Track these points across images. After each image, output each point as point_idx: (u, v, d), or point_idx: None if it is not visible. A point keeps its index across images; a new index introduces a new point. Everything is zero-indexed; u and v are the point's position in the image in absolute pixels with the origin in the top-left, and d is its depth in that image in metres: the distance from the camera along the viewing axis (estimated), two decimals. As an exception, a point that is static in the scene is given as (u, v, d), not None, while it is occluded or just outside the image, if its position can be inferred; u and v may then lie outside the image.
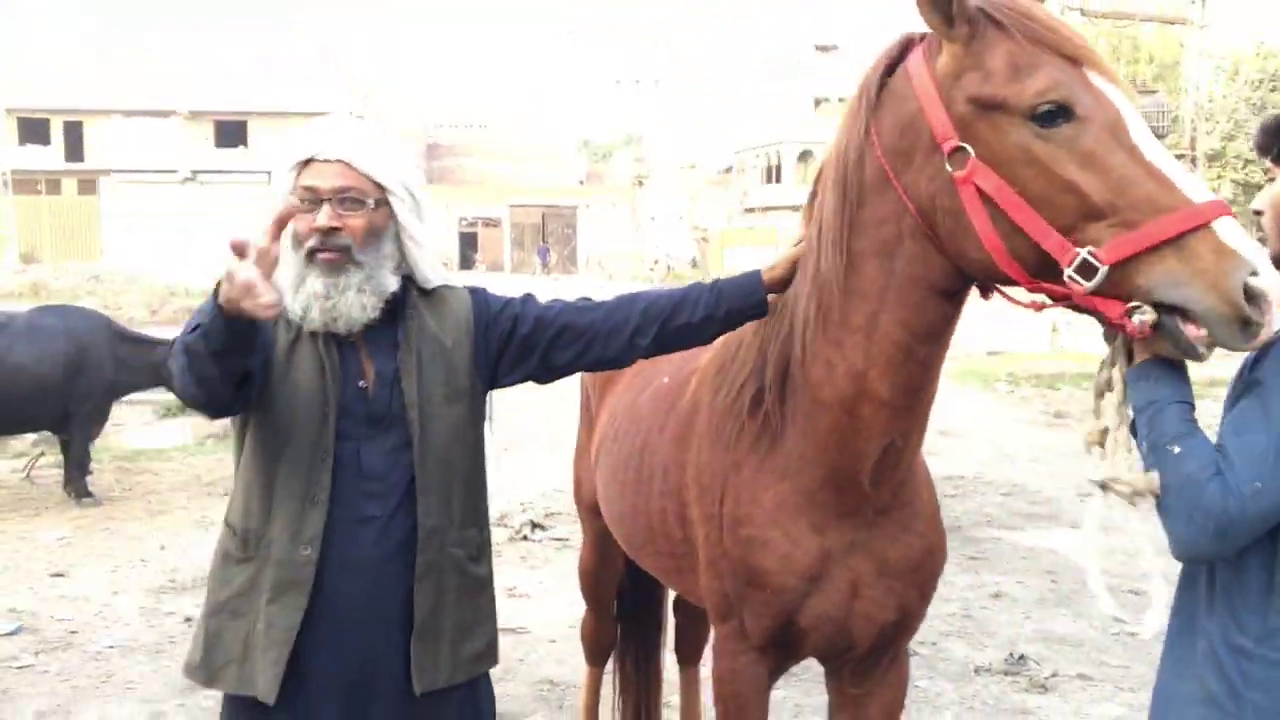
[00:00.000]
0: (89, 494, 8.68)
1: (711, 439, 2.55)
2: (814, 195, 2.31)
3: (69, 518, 8.29)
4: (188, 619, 5.92)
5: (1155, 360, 1.97)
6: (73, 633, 5.80)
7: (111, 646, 5.60)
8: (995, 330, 21.39)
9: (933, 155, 2.02)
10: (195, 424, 13.12)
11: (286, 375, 2.25)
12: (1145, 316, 1.84)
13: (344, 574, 2.24)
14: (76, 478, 8.68)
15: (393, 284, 2.29)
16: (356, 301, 2.21)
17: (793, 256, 2.38)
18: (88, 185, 50.63)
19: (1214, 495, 1.86)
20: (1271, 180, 2.14)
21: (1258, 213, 2.17)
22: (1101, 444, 2.03)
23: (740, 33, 70.31)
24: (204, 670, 2.33)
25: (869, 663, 2.60)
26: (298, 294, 2.20)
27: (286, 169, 2.27)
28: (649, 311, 2.40)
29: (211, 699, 4.86)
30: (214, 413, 2.24)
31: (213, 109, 51.98)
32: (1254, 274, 1.75)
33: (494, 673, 5.39)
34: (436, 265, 2.39)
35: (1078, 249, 1.85)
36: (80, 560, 7.15)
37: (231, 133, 52.78)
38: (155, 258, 46.21)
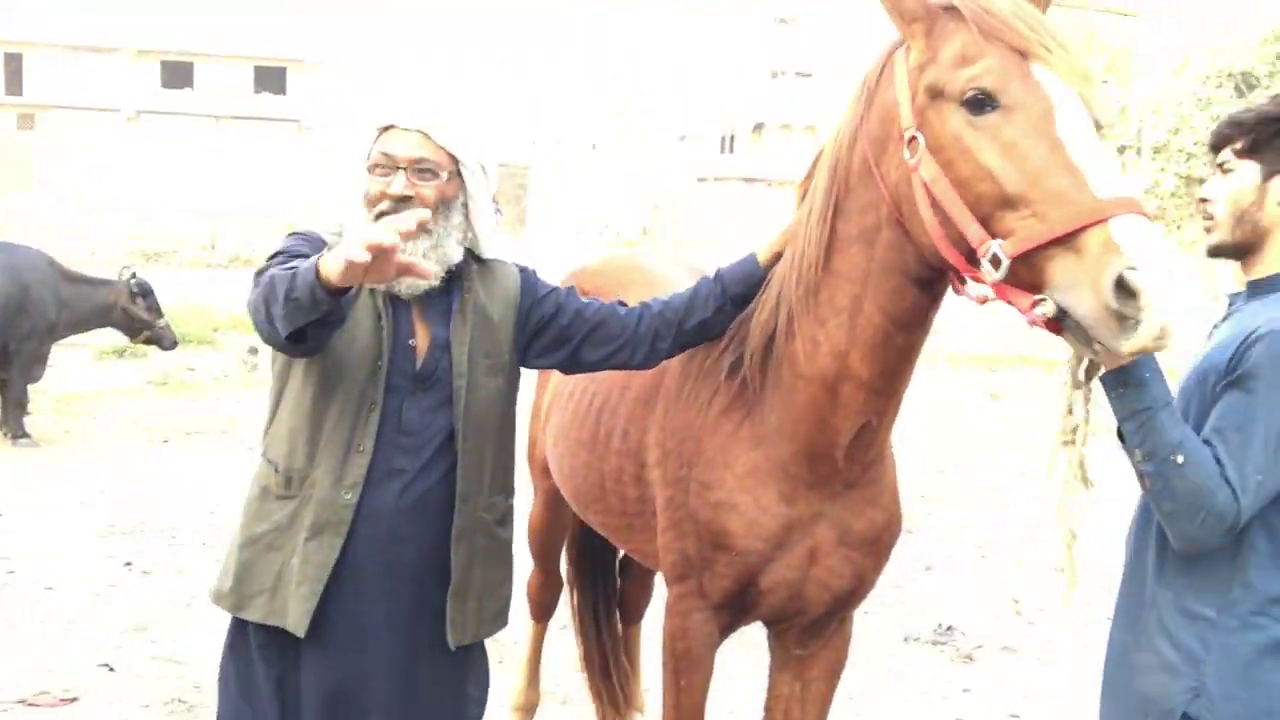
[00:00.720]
0: (25, 435, 8.56)
1: (682, 401, 2.61)
2: (809, 175, 2.39)
3: (5, 458, 8.19)
4: (128, 563, 5.92)
5: (1133, 364, 1.99)
6: (10, 572, 5.77)
7: (50, 588, 5.58)
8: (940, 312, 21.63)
9: (899, 144, 2.09)
10: (133, 369, 12.93)
11: (345, 329, 2.31)
12: (1045, 309, 1.86)
13: (370, 521, 2.35)
14: (14, 418, 8.56)
15: (457, 254, 2.38)
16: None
17: (787, 237, 2.47)
18: (26, 119, 49.20)
19: (1225, 501, 1.96)
20: (1228, 173, 2.20)
21: (1203, 200, 2.25)
22: (1071, 442, 2.08)
23: (699, 3, 69.96)
24: (233, 597, 2.42)
25: (817, 626, 2.70)
26: None
27: (371, 131, 2.34)
28: (665, 316, 2.54)
29: (151, 644, 4.88)
30: (296, 352, 2.31)
31: (159, 47, 50.75)
32: (1131, 268, 1.72)
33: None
34: (496, 236, 2.49)
35: (991, 240, 1.90)
36: (17, 502, 7.07)
37: (178, 73, 51.61)
38: (95, 197, 45.18)
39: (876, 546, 2.58)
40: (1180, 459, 1.97)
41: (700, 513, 2.51)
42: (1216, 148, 2.25)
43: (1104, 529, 3.16)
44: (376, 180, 2.29)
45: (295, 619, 2.34)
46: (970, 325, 22.31)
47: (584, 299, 2.59)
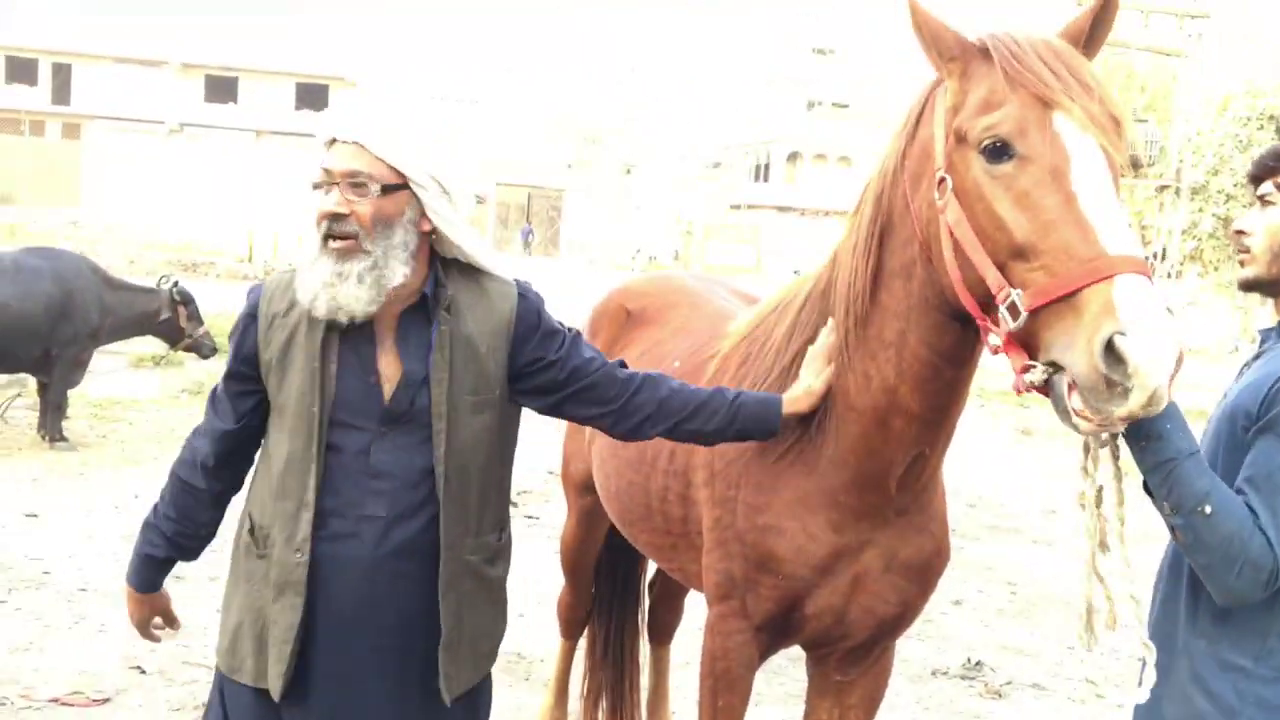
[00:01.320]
0: (64, 438, 8.66)
1: None
2: (859, 205, 2.38)
3: (42, 460, 8.29)
4: (161, 568, 5.96)
5: (1170, 409, 1.92)
6: (45, 573, 5.83)
7: (84, 589, 5.63)
8: (970, 344, 21.53)
9: (931, 184, 2.09)
10: (167, 376, 13.08)
11: (282, 382, 2.24)
12: (1033, 376, 1.84)
13: (340, 575, 2.23)
14: (53, 421, 8.66)
15: (399, 275, 2.18)
16: (355, 292, 2.14)
17: (818, 391, 2.41)
18: (72, 129, 50.05)
19: (1260, 550, 1.91)
20: (1268, 205, 2.18)
21: (1240, 232, 2.22)
22: (1098, 504, 2.03)
23: (738, 31, 70.29)
24: (228, 659, 2.35)
25: (859, 653, 2.69)
26: (308, 277, 2.18)
27: (320, 147, 2.26)
28: (668, 405, 2.41)
29: (182, 648, 4.92)
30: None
31: (204, 62, 51.53)
32: (1122, 333, 1.69)
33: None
34: (484, 247, 2.34)
35: (1011, 289, 1.88)
36: (53, 503, 7.16)
37: (222, 87, 52.36)
38: (136, 208, 45.79)
39: (925, 574, 2.58)
40: (1209, 509, 1.92)
41: (747, 535, 2.51)
42: (1258, 179, 2.21)
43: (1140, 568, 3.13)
44: (319, 197, 2.19)
45: (272, 682, 2.24)
46: (1000, 361, 22.11)
47: (588, 353, 2.42)
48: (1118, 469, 2.02)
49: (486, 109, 68.75)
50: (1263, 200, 2.19)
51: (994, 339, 1.96)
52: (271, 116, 52.45)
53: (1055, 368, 1.83)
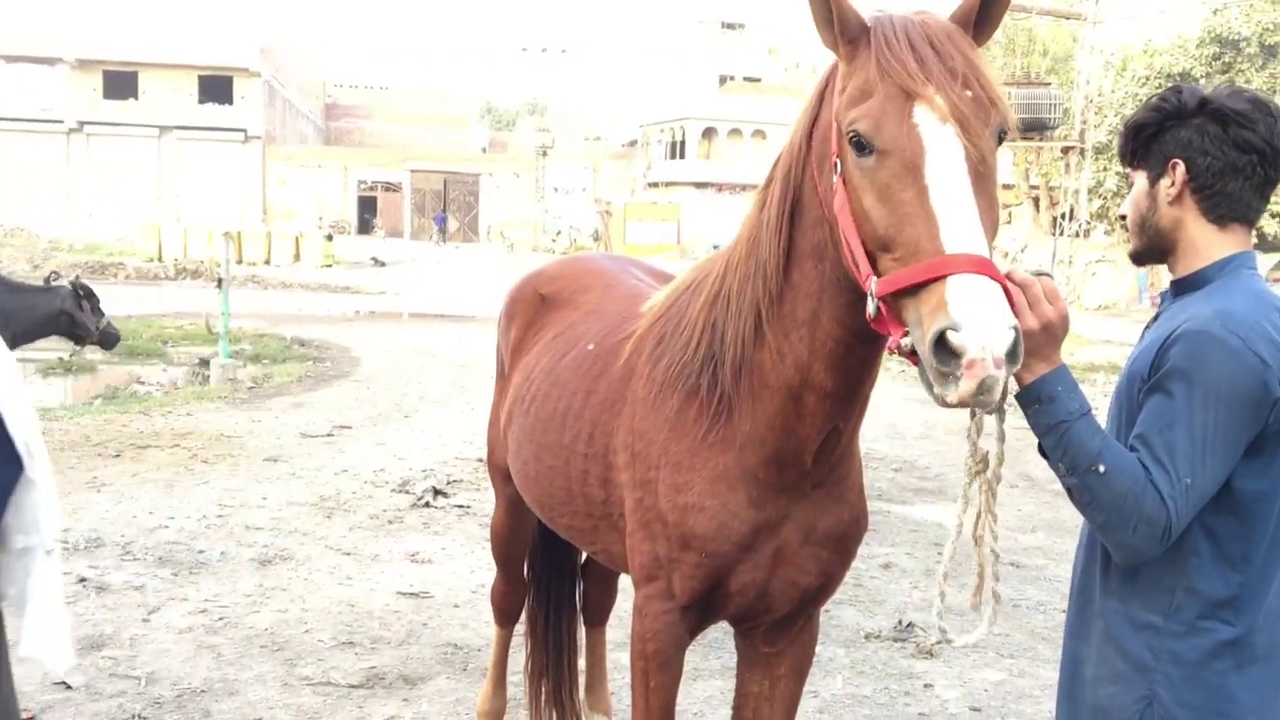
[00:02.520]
0: (-28, 453, 8.39)
1: (651, 405, 2.61)
2: (769, 181, 2.37)
3: (-49, 477, 8.03)
4: (82, 579, 5.82)
5: (1041, 380, 2.02)
6: (-41, 593, 5.65)
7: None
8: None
9: (831, 167, 2.09)
10: (81, 383, 12.75)
11: None
12: (908, 340, 1.90)
13: None
14: (-41, 435, 8.38)
15: None
16: None
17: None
18: (-37, 132, 48.30)
19: (1154, 503, 1.95)
20: (1132, 185, 2.25)
21: (1122, 217, 2.29)
22: (981, 471, 2.14)
23: (648, 9, 70.15)
24: None
25: (784, 624, 2.72)
26: None
27: None
28: None
29: (109, 661, 4.81)
30: None
31: (101, 57, 50.00)
32: (954, 329, 1.75)
33: (398, 636, 5.45)
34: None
35: (873, 276, 1.94)
36: (-36, 520, 6.93)
37: (121, 83, 50.89)
38: (38, 211, 44.38)
39: (844, 543, 2.60)
40: (1102, 468, 1.97)
41: (669, 515, 2.52)
42: (1124, 162, 2.31)
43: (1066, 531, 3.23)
44: None
45: None
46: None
47: None
48: (1001, 431, 2.10)
49: (397, 95, 67.77)
50: (1128, 182, 2.28)
51: (871, 309, 1.99)
52: (174, 112, 51.15)
53: None
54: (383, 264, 36.50)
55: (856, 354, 2.27)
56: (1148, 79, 34.92)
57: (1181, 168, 2.14)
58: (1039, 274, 2.05)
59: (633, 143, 61.74)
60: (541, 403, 3.08)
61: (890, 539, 7.44)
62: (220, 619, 5.41)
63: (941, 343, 1.76)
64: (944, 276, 1.79)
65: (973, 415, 2.10)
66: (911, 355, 1.88)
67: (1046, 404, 2.01)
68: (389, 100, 67.42)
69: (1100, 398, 11.62)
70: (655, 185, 55.92)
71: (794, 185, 2.26)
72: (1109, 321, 26.72)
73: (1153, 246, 2.23)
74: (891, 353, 1.97)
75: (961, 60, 1.96)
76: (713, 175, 54.04)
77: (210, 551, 6.43)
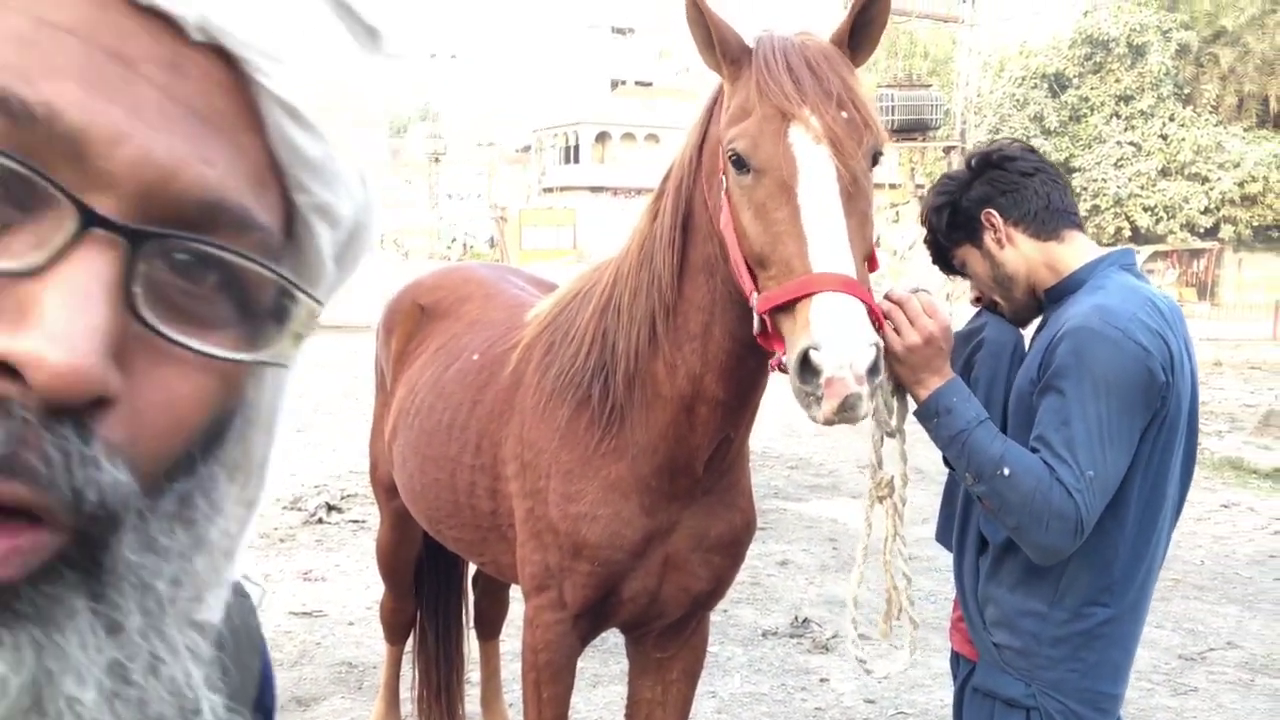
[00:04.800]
0: None
1: (540, 416, 2.60)
2: (660, 194, 2.38)
3: None
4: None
5: (936, 394, 2.09)
6: None
7: None
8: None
9: (718, 182, 2.12)
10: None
11: None
12: (786, 359, 1.94)
13: None
14: None
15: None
16: None
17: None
18: None
19: (1061, 498, 2.01)
20: (987, 255, 2.32)
21: (977, 299, 2.43)
22: (886, 496, 2.22)
23: (538, 14, 70.07)
24: None
25: (675, 629, 2.74)
26: None
27: None
28: None
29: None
30: None
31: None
32: (815, 348, 1.79)
33: (290, 656, 5.33)
34: None
35: (755, 291, 1.98)
36: None
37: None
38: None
39: (734, 548, 2.63)
40: (1006, 471, 2.03)
41: (560, 524, 2.51)
42: (947, 252, 2.41)
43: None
44: None
45: None
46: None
47: None
48: (903, 452, 2.18)
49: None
50: (963, 273, 2.39)
51: (756, 325, 2.03)
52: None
53: None
54: (273, 276, 35.57)
55: (748, 365, 2.29)
56: (1024, 79, 36.10)
57: (994, 213, 2.27)
58: (916, 290, 2.11)
59: (527, 148, 61.54)
60: (426, 415, 3.04)
61: (786, 536, 7.54)
62: (102, 648, 5.23)
63: (806, 362, 1.80)
64: (810, 295, 1.83)
65: (889, 435, 2.19)
66: (784, 368, 1.92)
67: (945, 416, 2.08)
68: (275, 108, 66.10)
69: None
70: (550, 190, 55.80)
71: (685, 200, 2.28)
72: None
73: (1021, 295, 2.31)
74: (773, 370, 2.01)
75: (838, 82, 2.00)
76: (607, 179, 54.14)
77: (91, 579, 6.21)
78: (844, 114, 1.97)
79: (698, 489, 2.50)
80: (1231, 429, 12.51)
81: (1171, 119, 35.90)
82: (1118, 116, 35.91)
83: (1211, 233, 35.81)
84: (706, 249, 2.24)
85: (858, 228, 1.94)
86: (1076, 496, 2.01)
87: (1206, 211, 35.26)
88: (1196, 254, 34.89)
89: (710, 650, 5.37)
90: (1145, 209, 35.42)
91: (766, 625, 5.78)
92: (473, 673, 4.35)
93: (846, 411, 1.78)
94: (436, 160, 53.91)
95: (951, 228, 2.33)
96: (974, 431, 2.06)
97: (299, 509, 7.86)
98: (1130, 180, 35.02)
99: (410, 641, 4.02)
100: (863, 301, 1.84)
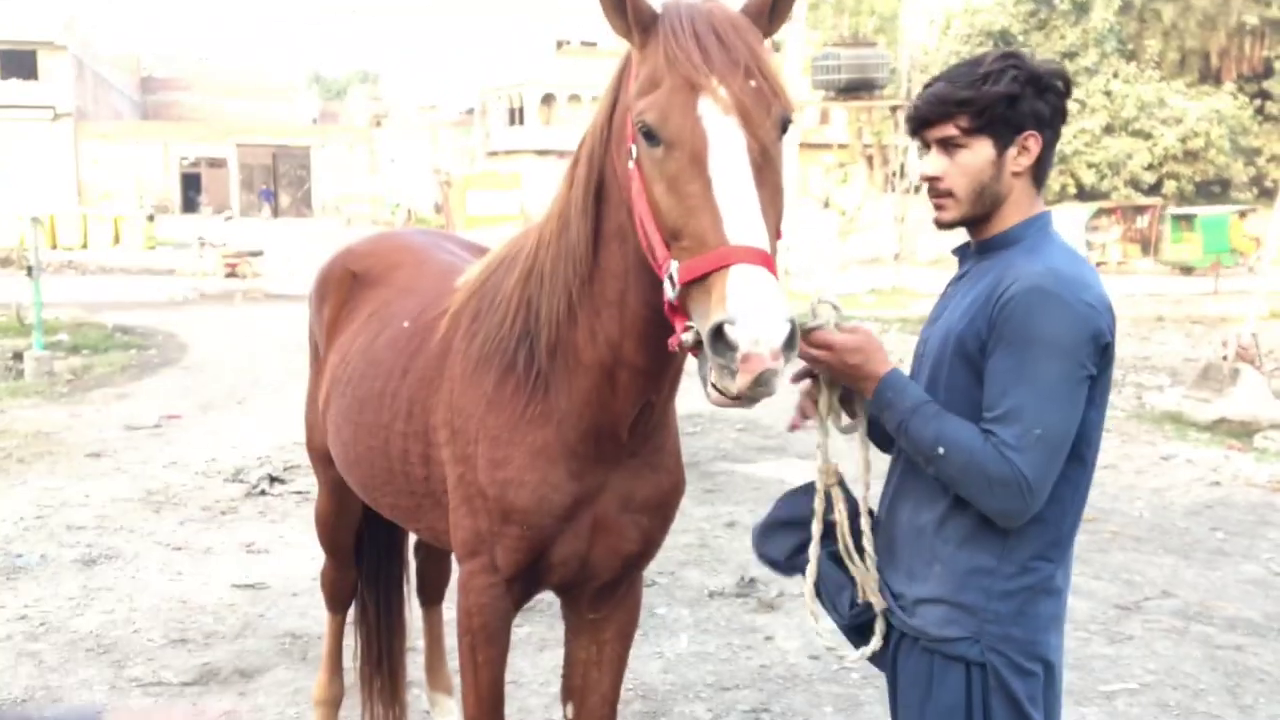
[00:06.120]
0: None
1: (469, 382, 2.59)
2: (575, 162, 2.36)
3: None
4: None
5: (875, 394, 2.15)
6: None
7: None
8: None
9: (627, 151, 2.10)
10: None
11: None
12: (686, 337, 1.95)
13: None
14: None
15: None
16: None
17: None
18: None
19: (996, 464, 2.04)
20: (955, 149, 2.21)
21: (932, 179, 2.26)
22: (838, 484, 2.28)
23: (479, -29, 69.02)
24: None
25: (607, 590, 2.75)
26: None
27: None
28: None
29: (-87, 679, 4.52)
30: None
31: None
32: (730, 322, 1.79)
33: (233, 629, 5.28)
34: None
35: (671, 260, 1.96)
36: None
37: (-88, 60, 47.37)
38: None
39: (663, 509, 2.65)
40: (942, 450, 2.09)
41: (489, 489, 2.51)
42: (927, 123, 2.25)
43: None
44: None
45: None
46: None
47: None
48: (866, 459, 2.28)
49: (218, 65, 65.03)
50: (945, 144, 2.23)
51: (671, 295, 2.00)
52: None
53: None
54: (211, 244, 35.14)
55: (665, 333, 2.27)
56: (969, 36, 36.25)
57: (1037, 140, 2.19)
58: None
59: (471, 111, 60.79)
60: (359, 383, 3.01)
61: (734, 497, 7.58)
62: (41, 624, 5.15)
63: (720, 336, 1.79)
64: (725, 267, 1.83)
65: (844, 431, 2.28)
66: (694, 350, 1.92)
67: (886, 409, 2.16)
68: (210, 71, 64.53)
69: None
70: (496, 154, 55.22)
71: (598, 168, 2.26)
72: (942, 274, 27.75)
73: (984, 214, 2.25)
74: (672, 349, 1.99)
75: (745, 51, 1.99)
76: (554, 143, 53.56)
77: (29, 555, 6.11)
78: (751, 83, 1.97)
79: (623, 453, 2.51)
80: (1173, 383, 12.77)
81: (1115, 75, 36.29)
82: (1061, 74, 36.18)
83: (1155, 189, 36.37)
84: (619, 217, 2.23)
85: (770, 199, 1.95)
86: (1014, 457, 2.03)
87: (1150, 168, 35.78)
88: (1140, 210, 35.38)
89: (657, 612, 5.41)
90: (1089, 165, 35.84)
91: (713, 586, 5.81)
92: (419, 640, 4.33)
93: (760, 387, 1.80)
94: (378, 124, 53.16)
95: (997, 120, 2.18)
96: (910, 420, 2.13)
97: (241, 481, 7.77)
98: (1075, 137, 35.38)
99: (353, 611, 3.99)
100: (775, 273, 1.84)
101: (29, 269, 13.57)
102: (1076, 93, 35.46)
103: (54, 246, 32.66)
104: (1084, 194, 35.90)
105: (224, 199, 53.59)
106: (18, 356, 13.26)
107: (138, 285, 24.24)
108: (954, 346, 2.19)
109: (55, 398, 11.03)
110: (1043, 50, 35.81)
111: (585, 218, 2.29)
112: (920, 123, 2.26)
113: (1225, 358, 11.09)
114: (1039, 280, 2.08)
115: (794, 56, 27.31)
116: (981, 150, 2.19)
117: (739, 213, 1.89)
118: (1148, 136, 35.52)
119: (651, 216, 2.00)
